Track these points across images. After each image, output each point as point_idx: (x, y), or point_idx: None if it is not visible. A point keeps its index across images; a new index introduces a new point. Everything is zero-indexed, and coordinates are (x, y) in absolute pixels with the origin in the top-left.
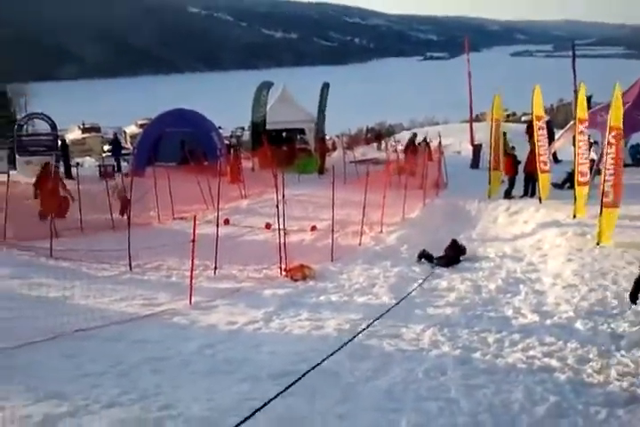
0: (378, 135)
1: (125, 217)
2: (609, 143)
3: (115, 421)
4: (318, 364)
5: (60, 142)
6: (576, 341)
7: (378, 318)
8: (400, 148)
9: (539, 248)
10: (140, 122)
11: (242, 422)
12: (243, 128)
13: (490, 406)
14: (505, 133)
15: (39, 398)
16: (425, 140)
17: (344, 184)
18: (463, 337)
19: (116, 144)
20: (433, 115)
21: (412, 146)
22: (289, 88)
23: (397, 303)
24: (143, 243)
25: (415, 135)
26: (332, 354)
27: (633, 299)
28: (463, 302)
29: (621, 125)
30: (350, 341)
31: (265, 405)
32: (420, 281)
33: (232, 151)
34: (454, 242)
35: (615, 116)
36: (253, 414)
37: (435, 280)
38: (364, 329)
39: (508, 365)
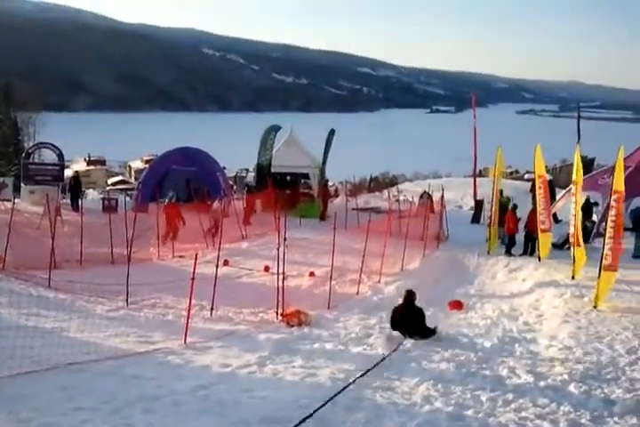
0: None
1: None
2: (610, 206)
3: None
4: (314, 411)
5: (73, 175)
6: (569, 404)
7: (371, 369)
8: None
9: (536, 308)
10: (145, 158)
11: None
12: (247, 169)
13: None
14: (502, 191)
15: None
16: (427, 192)
17: (345, 231)
18: (457, 394)
19: None
20: (436, 167)
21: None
22: (295, 133)
23: (386, 356)
24: (142, 279)
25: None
26: (326, 403)
27: None
28: (458, 358)
29: (623, 189)
30: (342, 390)
31: None
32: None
33: (246, 192)
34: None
35: (617, 180)
36: None
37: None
38: (355, 380)
39: (501, 424)
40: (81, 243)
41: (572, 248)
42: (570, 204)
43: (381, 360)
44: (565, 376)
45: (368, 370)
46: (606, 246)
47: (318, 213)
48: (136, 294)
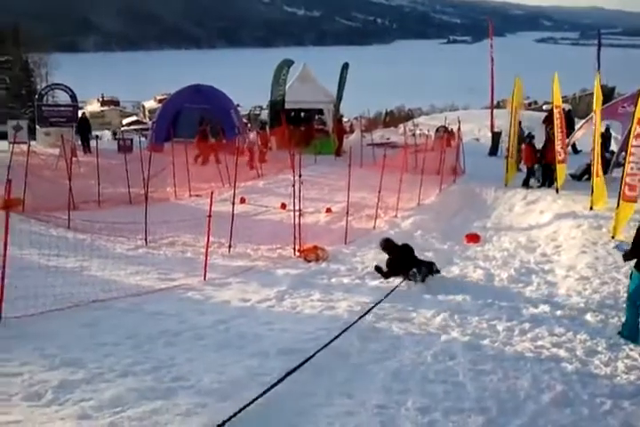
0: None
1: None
2: (635, 135)
3: (129, 389)
4: (329, 342)
5: (81, 116)
6: (585, 333)
7: (387, 296)
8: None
9: (553, 239)
10: (158, 97)
11: (259, 396)
12: (261, 107)
13: (496, 391)
14: (520, 122)
15: (56, 364)
16: (443, 126)
17: (360, 167)
18: (473, 324)
19: None
20: (453, 100)
21: None
22: (309, 67)
23: (400, 284)
24: (159, 218)
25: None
26: (343, 331)
27: None
28: (475, 289)
29: None
30: (360, 319)
31: (279, 381)
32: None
33: (260, 129)
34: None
35: None
36: (269, 389)
37: (447, 267)
38: (371, 308)
39: (517, 353)
40: (98, 184)
41: (591, 179)
42: (589, 134)
43: (394, 288)
44: (582, 305)
45: (382, 299)
46: (632, 177)
47: (333, 149)
48: (155, 233)
